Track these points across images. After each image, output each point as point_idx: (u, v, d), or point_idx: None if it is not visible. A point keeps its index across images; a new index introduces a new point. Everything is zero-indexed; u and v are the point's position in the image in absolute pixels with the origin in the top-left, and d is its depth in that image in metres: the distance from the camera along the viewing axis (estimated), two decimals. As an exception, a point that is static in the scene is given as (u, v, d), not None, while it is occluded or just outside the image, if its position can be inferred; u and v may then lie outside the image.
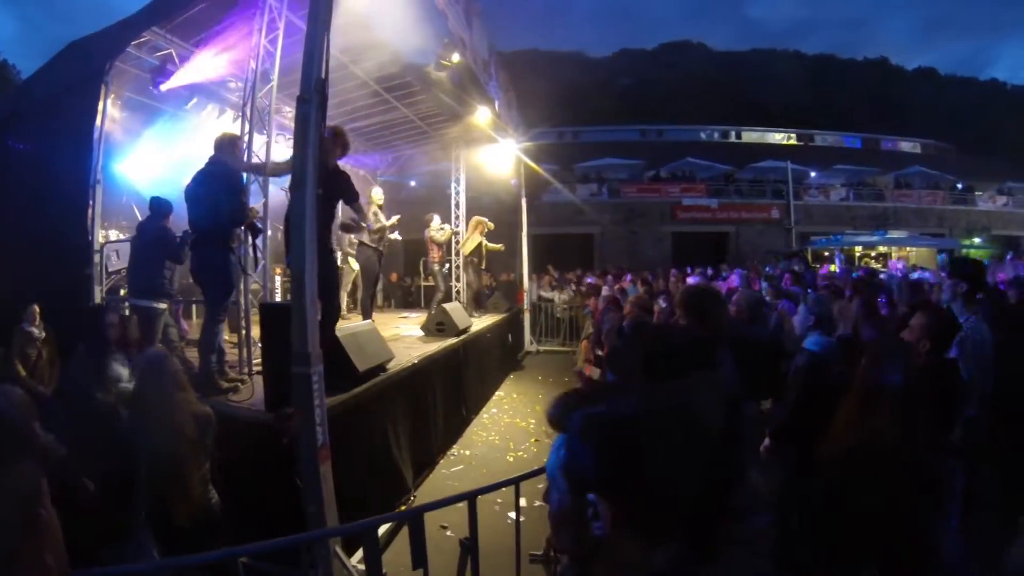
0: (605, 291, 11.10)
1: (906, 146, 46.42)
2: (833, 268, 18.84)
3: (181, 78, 8.21)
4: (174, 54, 8.05)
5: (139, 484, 3.45)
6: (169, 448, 3.47)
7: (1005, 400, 4.17)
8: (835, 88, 75.97)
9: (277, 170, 6.21)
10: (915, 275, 11.94)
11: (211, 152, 5.73)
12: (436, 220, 11.10)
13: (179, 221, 6.03)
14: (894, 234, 26.25)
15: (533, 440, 7.60)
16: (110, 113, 7.78)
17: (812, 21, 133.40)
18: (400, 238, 9.69)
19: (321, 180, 3.79)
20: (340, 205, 5.64)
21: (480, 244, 12.27)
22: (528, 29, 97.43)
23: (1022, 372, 4.28)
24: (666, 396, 1.19)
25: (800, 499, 3.39)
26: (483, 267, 12.93)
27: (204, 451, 3.70)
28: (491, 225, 12.30)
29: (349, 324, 6.31)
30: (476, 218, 12.32)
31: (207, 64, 8.22)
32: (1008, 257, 13.40)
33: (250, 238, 5.92)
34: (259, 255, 6.21)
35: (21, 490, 0.64)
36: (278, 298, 9.76)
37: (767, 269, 15.07)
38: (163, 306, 6.20)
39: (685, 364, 2.54)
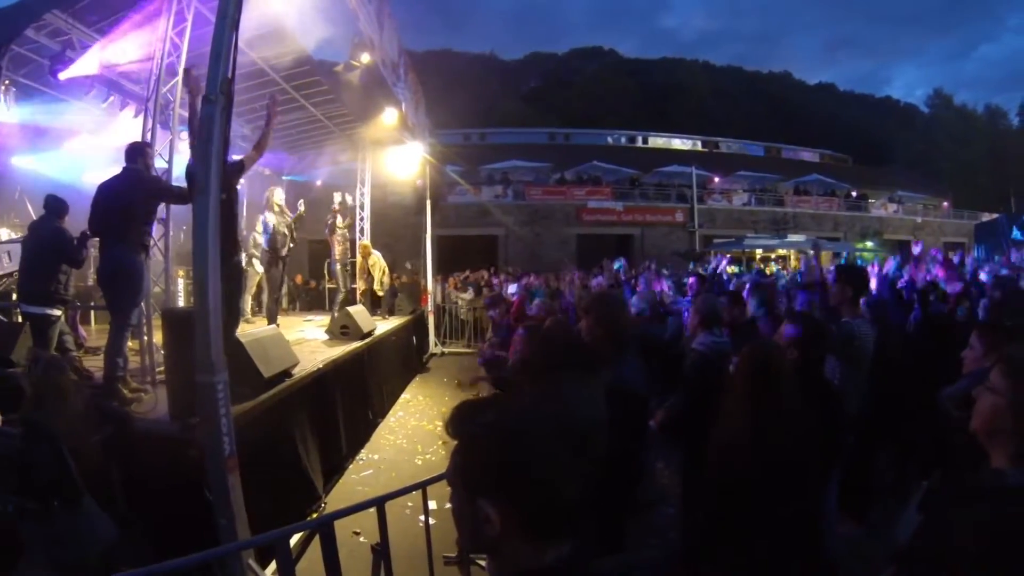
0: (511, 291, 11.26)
1: (806, 155, 48.98)
2: (732, 270, 19.55)
3: (82, 66, 7.68)
4: (75, 40, 7.57)
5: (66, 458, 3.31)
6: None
7: (891, 394, 4.50)
8: (740, 98, 78.92)
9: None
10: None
11: (117, 148, 5.56)
12: (338, 219, 11.18)
13: (75, 221, 5.71)
14: (793, 237, 27.59)
15: (441, 443, 7.54)
16: (3, 101, 7.32)
17: (721, 34, 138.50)
18: (302, 210, 9.54)
19: (224, 183, 3.70)
20: (245, 206, 5.51)
21: (369, 269, 12.23)
22: (440, 29, 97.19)
23: (902, 366, 4.65)
24: (549, 403, 1.23)
25: (696, 490, 3.54)
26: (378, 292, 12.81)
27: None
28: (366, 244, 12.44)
29: (254, 329, 6.18)
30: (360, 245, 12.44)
31: (110, 53, 7.81)
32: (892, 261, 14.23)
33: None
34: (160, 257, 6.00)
35: None
36: (181, 302, 9.43)
37: (665, 270, 15.48)
38: (58, 313, 5.84)
39: (564, 366, 2.63)
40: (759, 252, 28.12)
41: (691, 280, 8.66)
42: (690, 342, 4.60)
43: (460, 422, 1.15)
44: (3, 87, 7.06)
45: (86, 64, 7.65)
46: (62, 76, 7.59)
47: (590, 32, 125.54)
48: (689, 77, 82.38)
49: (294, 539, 3.81)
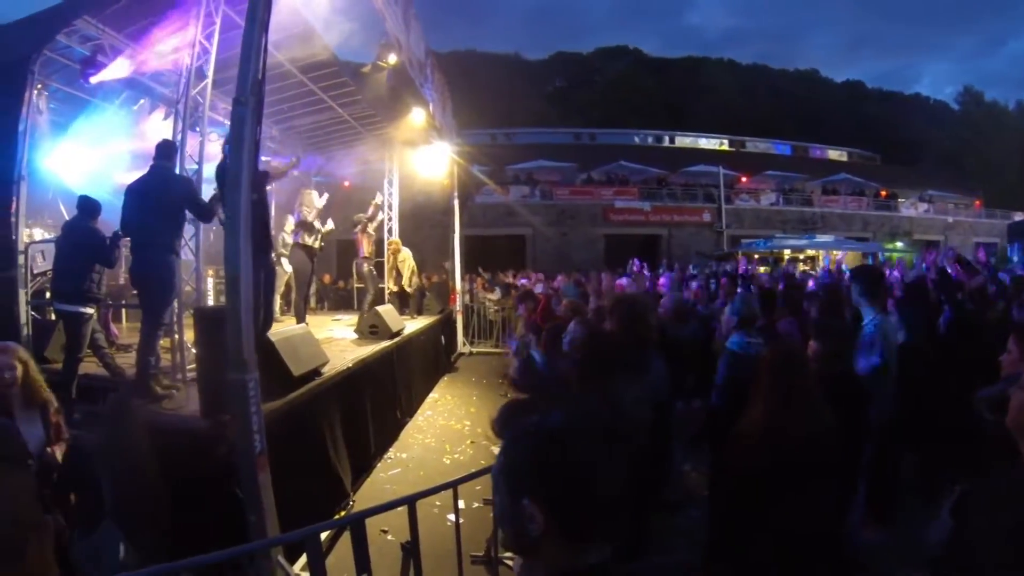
0: (539, 290, 11.21)
1: (833, 154, 48.38)
2: (765, 269, 19.34)
3: (112, 71, 7.84)
4: (105, 45, 7.70)
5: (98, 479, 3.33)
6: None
7: (918, 391, 4.43)
8: (766, 97, 78.15)
9: (275, 174, 6.09)
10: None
11: (147, 151, 5.61)
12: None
13: (107, 222, 5.80)
14: (821, 238, 27.29)
15: (469, 442, 7.59)
16: (36, 104, 7.45)
17: (746, 32, 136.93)
18: (332, 226, 9.55)
19: (256, 183, 3.73)
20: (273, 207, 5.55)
21: (397, 265, 12.33)
22: (465, 29, 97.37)
23: (931, 364, 4.57)
24: (593, 404, 1.22)
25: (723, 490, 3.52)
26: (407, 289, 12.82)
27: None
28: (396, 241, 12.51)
29: (283, 328, 6.21)
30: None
31: (140, 57, 7.94)
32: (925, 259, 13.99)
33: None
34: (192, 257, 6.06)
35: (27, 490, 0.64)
36: (211, 301, 9.53)
37: (691, 269, 15.35)
38: (91, 311, 5.93)
39: (614, 368, 2.62)
40: (787, 252, 27.79)
41: (722, 280, 8.60)
42: (723, 342, 4.56)
43: (506, 422, 1.16)
44: (36, 91, 7.17)
45: (117, 69, 7.79)
46: (93, 80, 7.74)
47: (614, 31, 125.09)
48: (714, 76, 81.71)
49: (322, 536, 3.84)
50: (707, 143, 47.50)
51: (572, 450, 1.07)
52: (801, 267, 23.57)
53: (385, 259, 12.57)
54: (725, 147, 46.73)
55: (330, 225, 9.22)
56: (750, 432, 2.89)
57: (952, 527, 1.66)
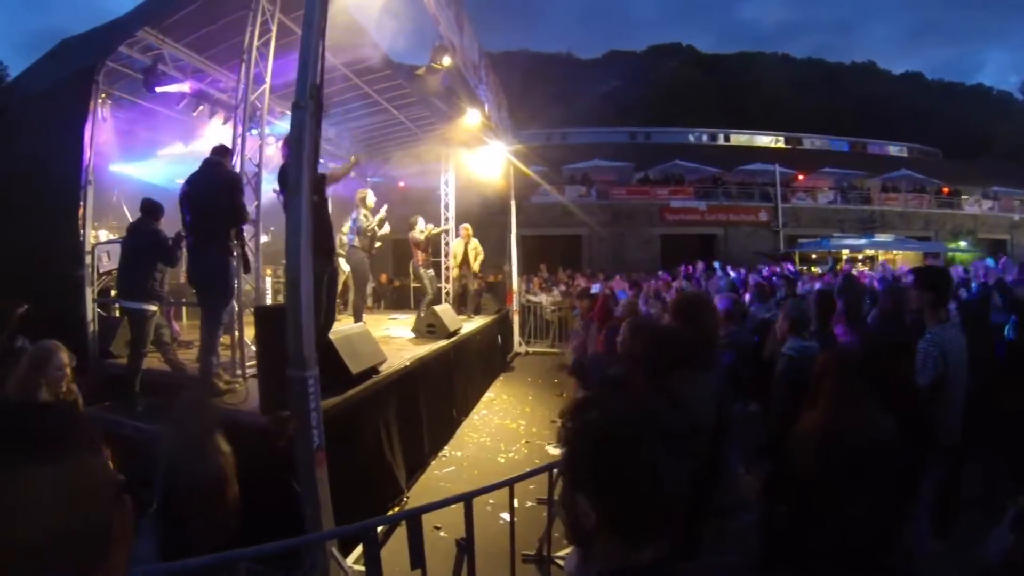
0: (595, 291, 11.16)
1: (893, 150, 46.87)
2: (815, 271, 18.92)
3: (173, 79, 8.20)
4: (165, 54, 8.00)
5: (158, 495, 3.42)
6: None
7: (983, 401, 4.27)
8: (823, 91, 76.31)
9: (334, 176, 6.21)
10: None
11: (205, 155, 5.70)
12: (420, 222, 11.09)
13: (170, 222, 6.00)
14: (881, 237, 26.50)
15: (523, 441, 7.60)
16: (101, 112, 7.75)
17: (799, 24, 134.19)
18: (388, 229, 9.65)
19: (317, 185, 3.82)
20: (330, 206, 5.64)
21: (468, 251, 12.37)
22: (517, 30, 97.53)
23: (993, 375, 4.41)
24: (653, 403, 1.23)
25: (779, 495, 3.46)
26: (476, 272, 12.88)
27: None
28: (469, 228, 12.50)
29: (341, 326, 6.32)
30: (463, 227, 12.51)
31: (199, 65, 8.24)
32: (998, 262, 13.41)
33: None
34: (251, 256, 6.21)
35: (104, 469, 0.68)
36: (269, 300, 9.75)
37: (751, 277, 15.10)
38: (154, 308, 6.15)
39: (678, 365, 2.60)
40: (845, 252, 27.05)
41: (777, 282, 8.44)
42: (779, 347, 4.49)
43: (570, 416, 1.18)
44: (100, 100, 7.46)
45: (176, 76, 8.14)
46: (158, 90, 8.04)
47: (666, 28, 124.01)
48: (768, 71, 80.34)
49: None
50: (763, 140, 46.64)
51: (627, 449, 1.08)
52: (860, 267, 22.95)
53: (454, 248, 12.66)
54: (781, 144, 45.80)
55: (386, 229, 9.33)
56: (805, 437, 2.85)
57: (1013, 541, 1.62)
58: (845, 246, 26.44)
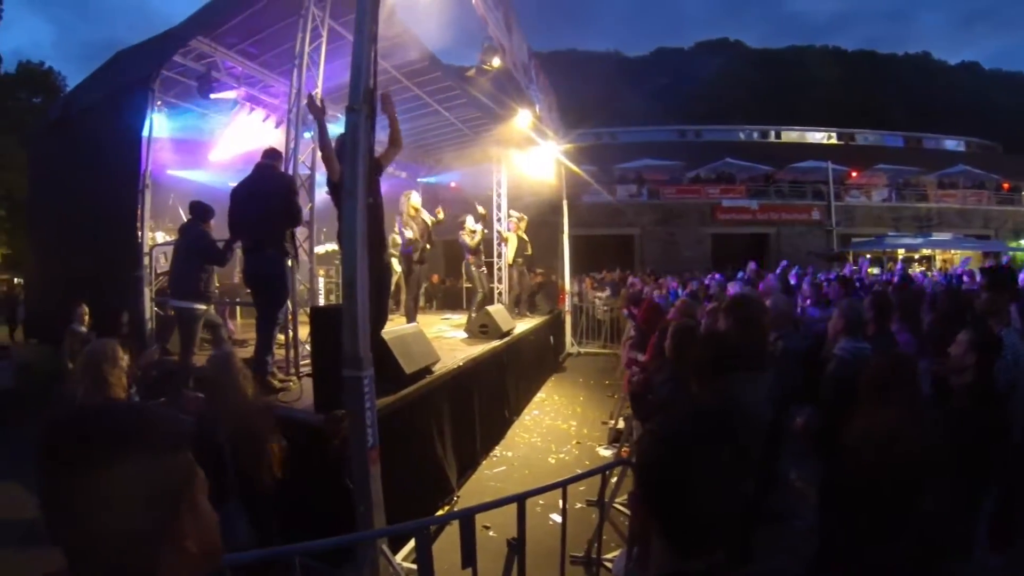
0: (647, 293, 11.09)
1: (950, 144, 45.32)
2: (873, 271, 18.43)
3: (226, 85, 8.43)
4: (219, 61, 8.23)
5: (225, 460, 3.55)
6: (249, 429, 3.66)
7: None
8: (875, 85, 74.34)
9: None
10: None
11: (258, 159, 5.81)
12: (469, 221, 11.14)
13: (224, 225, 6.14)
14: (938, 236, 25.71)
15: (574, 442, 7.59)
16: (157, 119, 8.00)
17: (850, 15, 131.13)
18: (441, 216, 9.70)
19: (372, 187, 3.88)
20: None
21: (523, 242, 12.41)
22: (565, 29, 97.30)
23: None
24: (707, 411, 1.22)
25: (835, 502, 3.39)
26: (526, 266, 12.92)
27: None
28: (524, 217, 12.49)
29: (395, 327, 6.39)
30: (513, 218, 12.49)
31: (251, 71, 8.43)
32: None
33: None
34: (305, 257, 6.33)
35: (173, 480, 0.71)
36: (322, 300, 9.92)
37: (804, 281, 14.75)
38: (202, 307, 6.32)
39: (732, 368, 2.58)
40: (901, 252, 26.30)
41: (832, 284, 8.26)
42: (832, 348, 4.40)
43: (646, 415, 1.21)
44: (156, 107, 7.70)
45: (229, 82, 8.40)
46: (212, 96, 8.27)
47: (714, 24, 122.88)
48: (819, 65, 78.75)
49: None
50: (814, 137, 45.66)
51: (684, 461, 1.08)
52: (916, 268, 22.32)
53: (507, 237, 12.71)
54: (833, 140, 44.78)
55: (440, 215, 9.41)
56: (858, 443, 2.79)
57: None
58: (901, 245, 25.72)
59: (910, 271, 18.33)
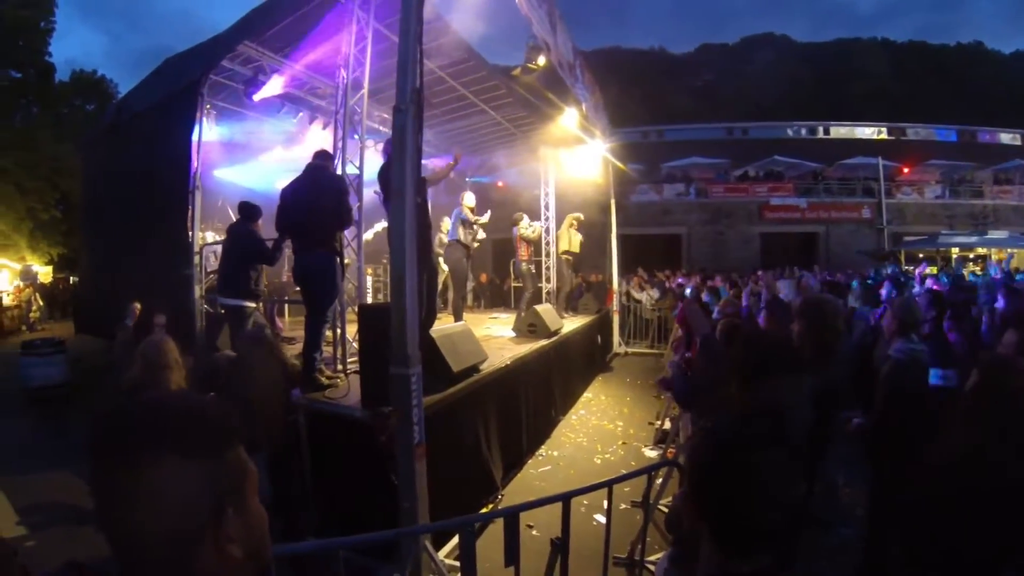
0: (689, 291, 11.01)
1: (1006, 138, 43.55)
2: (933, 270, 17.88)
3: (273, 88, 8.61)
4: (265, 65, 8.43)
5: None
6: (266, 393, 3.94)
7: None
8: (927, 77, 72.06)
9: (436, 178, 6.41)
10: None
11: (307, 159, 5.86)
12: (526, 219, 11.15)
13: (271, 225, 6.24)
14: (994, 234, 24.80)
15: (620, 443, 7.57)
16: (206, 122, 8.20)
17: (899, 5, 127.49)
18: (483, 236, 9.76)
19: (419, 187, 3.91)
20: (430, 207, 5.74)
21: (575, 241, 12.37)
22: (608, 27, 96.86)
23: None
24: (764, 419, 1.21)
25: (898, 513, 3.26)
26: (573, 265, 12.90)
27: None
28: (581, 217, 12.46)
29: (443, 325, 6.44)
30: (570, 215, 12.44)
31: (297, 74, 8.58)
32: None
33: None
34: (354, 256, 6.42)
35: (218, 482, 0.72)
36: (369, 299, 10.04)
37: (854, 284, 14.39)
38: (252, 305, 6.45)
39: (777, 368, 2.52)
40: (955, 251, 25.46)
41: (885, 285, 8.07)
42: (885, 349, 4.28)
43: (687, 404, 1.21)
44: (205, 111, 7.88)
45: (276, 86, 8.53)
46: (256, 98, 8.46)
47: (759, 18, 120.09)
48: (868, 58, 76.38)
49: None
50: (864, 132, 44.49)
51: (732, 468, 1.08)
52: (971, 267, 21.59)
53: (560, 232, 12.71)
54: (883, 136, 43.50)
55: (486, 217, 9.47)
56: (944, 458, 2.66)
57: None
58: (955, 244, 24.86)
59: (964, 271, 17.77)
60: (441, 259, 9.93)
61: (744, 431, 1.12)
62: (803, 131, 45.00)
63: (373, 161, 6.93)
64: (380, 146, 6.47)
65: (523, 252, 11.08)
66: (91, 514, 0.82)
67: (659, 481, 4.64)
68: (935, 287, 8.72)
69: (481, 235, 9.46)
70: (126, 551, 0.79)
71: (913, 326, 4.11)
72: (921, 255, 23.23)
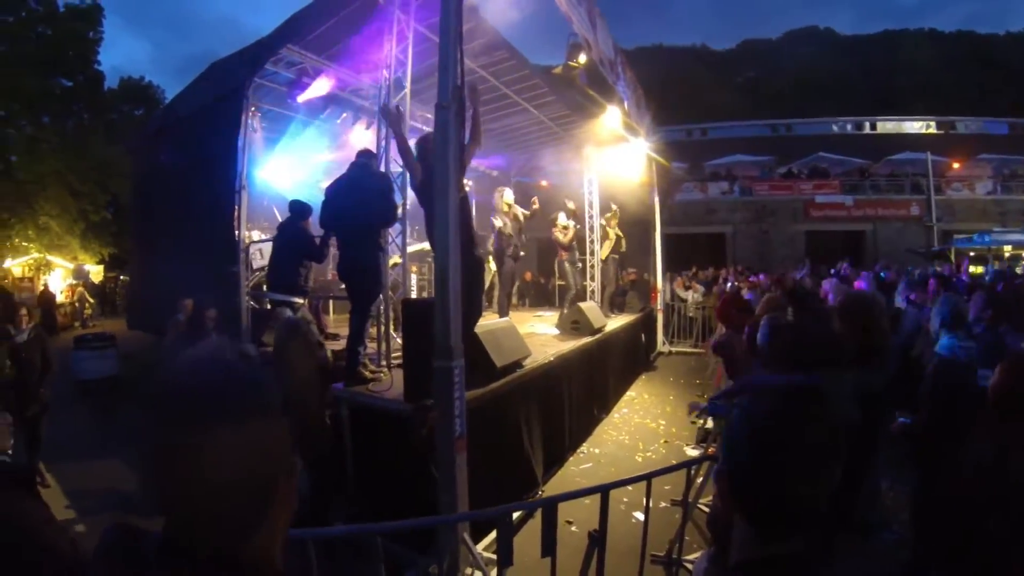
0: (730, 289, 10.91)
1: (1060, 128, 42.24)
2: (979, 270, 17.36)
3: (316, 89, 8.80)
4: (308, 67, 8.60)
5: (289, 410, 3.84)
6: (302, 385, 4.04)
7: None
8: (976, 68, 69.76)
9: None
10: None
11: (349, 160, 5.99)
12: (561, 217, 11.16)
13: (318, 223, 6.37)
14: (1049, 231, 23.99)
15: (663, 441, 7.56)
16: (251, 125, 8.38)
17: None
18: (536, 206, 9.81)
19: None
20: (474, 206, 5.80)
21: (618, 239, 12.42)
22: (649, 24, 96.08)
23: None
24: (802, 395, 1.21)
25: (941, 516, 3.19)
26: (619, 263, 12.91)
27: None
28: (616, 211, 12.50)
29: (487, 321, 6.50)
30: (606, 213, 12.48)
31: (340, 75, 8.72)
32: None
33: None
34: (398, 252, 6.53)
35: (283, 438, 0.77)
36: (413, 295, 10.16)
37: (902, 279, 14.02)
38: (300, 301, 6.59)
39: (821, 363, 2.51)
40: (1008, 249, 24.62)
41: (930, 283, 7.90)
42: (931, 347, 4.19)
43: (737, 393, 1.22)
44: (250, 113, 8.06)
45: (319, 87, 8.71)
46: (299, 99, 8.63)
47: (802, 11, 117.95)
48: (914, 50, 74.26)
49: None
50: (912, 126, 43.39)
51: (767, 436, 1.09)
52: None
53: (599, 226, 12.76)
54: (932, 130, 42.40)
55: (535, 204, 9.53)
56: (979, 455, 2.60)
57: None
58: (1008, 241, 23.94)
59: (1017, 269, 17.24)
60: (490, 257, 9.98)
61: (781, 405, 1.13)
62: (849, 126, 44.13)
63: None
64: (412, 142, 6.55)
65: (562, 252, 11.08)
66: (138, 498, 0.85)
67: (699, 480, 4.63)
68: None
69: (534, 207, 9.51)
70: (192, 514, 0.81)
71: (961, 324, 4.03)
72: (971, 253, 22.52)
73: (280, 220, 8.28)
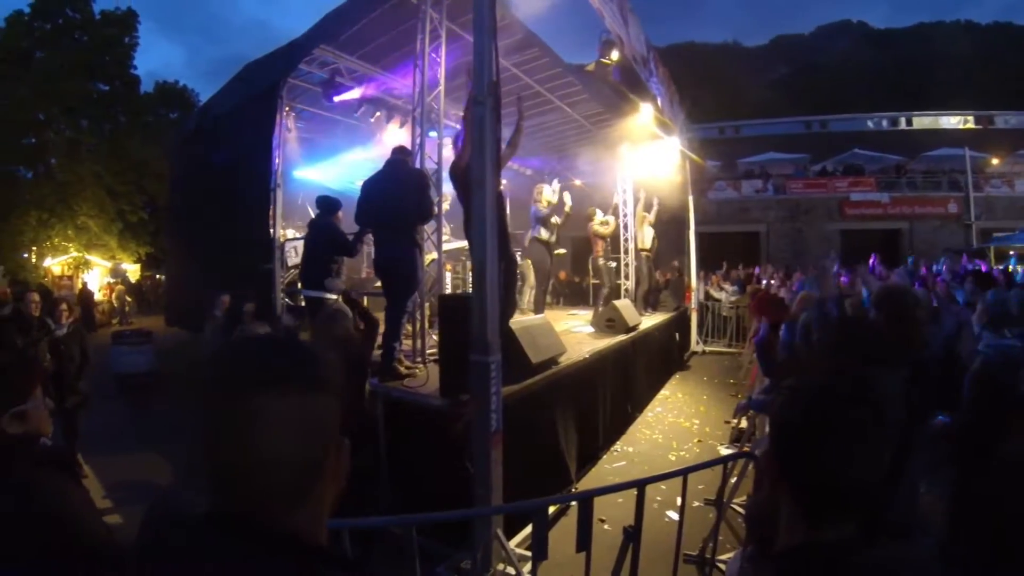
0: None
1: (1104, 122, 41.03)
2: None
3: (349, 88, 8.89)
4: (342, 67, 8.69)
5: None
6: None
7: None
8: (1015, 60, 68.01)
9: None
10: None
11: (383, 158, 6.03)
12: (599, 214, 11.12)
13: (350, 219, 6.42)
14: (1093, 228, 23.31)
15: (696, 440, 7.51)
16: (286, 124, 8.50)
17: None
18: (569, 204, 9.86)
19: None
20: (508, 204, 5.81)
21: (649, 237, 12.38)
22: (681, 21, 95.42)
23: None
24: (851, 376, 1.20)
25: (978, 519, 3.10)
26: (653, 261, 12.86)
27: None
28: (653, 207, 12.46)
29: (523, 318, 6.51)
30: (640, 211, 12.43)
31: (373, 74, 8.80)
32: None
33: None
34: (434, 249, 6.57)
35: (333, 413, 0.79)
36: (448, 291, 10.23)
37: (935, 268, 13.72)
38: (332, 297, 6.66)
39: (869, 359, 2.46)
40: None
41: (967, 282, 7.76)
42: (973, 345, 4.11)
43: (774, 374, 1.21)
44: (285, 113, 8.16)
45: (353, 86, 8.84)
46: (336, 99, 8.69)
47: (834, 5, 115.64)
48: (951, 42, 72.55)
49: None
50: (949, 122, 42.51)
51: (817, 417, 1.08)
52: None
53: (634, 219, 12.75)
54: (970, 125, 41.50)
55: (568, 202, 9.56)
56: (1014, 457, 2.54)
57: None
58: (1051, 240, 23.45)
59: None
60: (519, 255, 9.98)
61: (831, 388, 1.13)
62: (884, 123, 43.40)
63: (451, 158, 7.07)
64: (449, 140, 6.58)
65: (599, 248, 11.05)
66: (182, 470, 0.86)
67: (733, 480, 4.59)
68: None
69: (567, 200, 9.60)
70: (242, 482, 0.82)
71: (1006, 322, 3.95)
72: (1011, 252, 21.95)
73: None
